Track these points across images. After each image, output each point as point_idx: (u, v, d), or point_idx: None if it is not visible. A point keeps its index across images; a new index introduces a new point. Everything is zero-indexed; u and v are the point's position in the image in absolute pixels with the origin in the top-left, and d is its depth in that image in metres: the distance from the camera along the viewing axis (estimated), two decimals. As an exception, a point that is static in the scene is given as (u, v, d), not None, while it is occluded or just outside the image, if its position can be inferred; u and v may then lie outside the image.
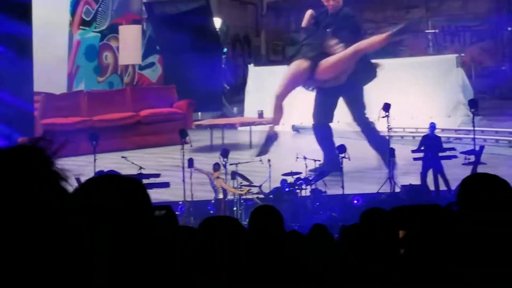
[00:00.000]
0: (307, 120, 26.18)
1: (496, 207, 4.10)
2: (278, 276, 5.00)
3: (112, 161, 24.31)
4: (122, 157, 23.63)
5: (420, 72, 26.26)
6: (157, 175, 22.93)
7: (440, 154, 22.98)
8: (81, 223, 1.81)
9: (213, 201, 22.83)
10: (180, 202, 22.81)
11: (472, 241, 3.72)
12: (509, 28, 26.53)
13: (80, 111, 25.93)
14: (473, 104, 23.15)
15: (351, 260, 5.99)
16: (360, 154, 24.38)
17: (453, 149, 23.26)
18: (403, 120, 25.71)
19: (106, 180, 3.16)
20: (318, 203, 22.25)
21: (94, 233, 2.49)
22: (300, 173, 23.09)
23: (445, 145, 23.77)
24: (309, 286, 5.29)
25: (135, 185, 3.15)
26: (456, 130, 25.42)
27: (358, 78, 25.13)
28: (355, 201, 22.06)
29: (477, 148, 22.86)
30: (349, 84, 25.04)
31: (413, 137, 25.53)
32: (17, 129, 23.93)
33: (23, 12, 24.37)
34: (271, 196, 22.31)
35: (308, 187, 22.80)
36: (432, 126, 23.26)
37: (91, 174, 21.16)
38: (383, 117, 23.20)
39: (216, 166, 23.05)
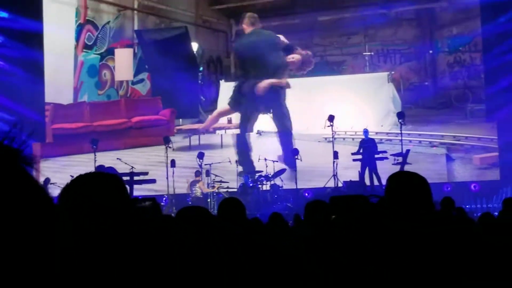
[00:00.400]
0: (269, 125, 26.25)
1: (414, 200, 4.28)
2: (240, 257, 4.63)
3: (110, 159, 24.31)
4: (118, 158, 23.74)
5: (358, 86, 26.42)
6: (146, 173, 23.15)
7: (376, 156, 23.48)
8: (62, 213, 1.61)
9: (189, 199, 23.12)
10: (165, 195, 23.14)
11: (385, 231, 4.12)
12: (431, 51, 26.56)
13: (83, 118, 25.95)
14: (401, 116, 23.56)
15: (302, 243, 5.62)
16: (311, 155, 24.50)
17: (384, 151, 23.70)
18: (345, 126, 25.56)
19: (91, 177, 3.21)
20: (276, 196, 22.73)
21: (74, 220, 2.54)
22: (262, 171, 23.64)
23: (378, 145, 24.13)
24: (266, 264, 4.78)
25: (116, 181, 3.22)
26: (387, 133, 25.48)
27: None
28: (306, 194, 22.69)
29: (404, 151, 23.12)
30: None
31: (353, 138, 25.54)
32: (31, 136, 24.40)
33: (37, 40, 24.47)
34: (238, 190, 22.88)
35: (268, 182, 23.34)
36: (365, 131, 23.93)
37: (92, 170, 20.76)
38: (328, 126, 23.41)
39: (197, 173, 23.64)
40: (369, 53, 27.32)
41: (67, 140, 25.71)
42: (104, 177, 3.25)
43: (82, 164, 23.96)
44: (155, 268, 3.34)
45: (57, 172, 23.40)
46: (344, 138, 25.74)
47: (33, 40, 24.62)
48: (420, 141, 25.74)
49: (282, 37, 26.06)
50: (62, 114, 25.91)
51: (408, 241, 4.00)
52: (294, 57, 25.91)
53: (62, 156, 25.21)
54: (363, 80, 26.98)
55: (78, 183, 3.12)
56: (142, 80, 27.18)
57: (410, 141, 25.36)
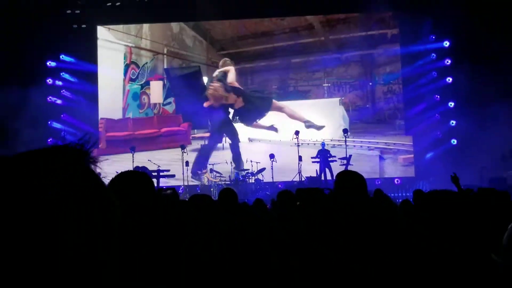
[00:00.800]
0: (257, 134, 26.54)
1: (354, 191, 4.44)
2: (231, 229, 4.81)
3: (145, 157, 24.73)
4: (148, 160, 24.08)
5: (319, 108, 26.62)
6: (168, 170, 23.52)
7: (329, 159, 23.86)
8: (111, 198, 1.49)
9: (198, 188, 23.55)
10: (181, 186, 23.56)
11: (334, 212, 4.25)
12: (370, 84, 26.76)
13: (128, 128, 26.39)
14: (345, 131, 24.00)
15: (276, 220, 6.06)
16: (284, 157, 24.62)
17: (334, 156, 24.02)
18: (309, 135, 25.89)
19: (129, 174, 3.29)
20: (258, 187, 23.07)
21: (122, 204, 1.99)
22: (248, 169, 24.12)
23: (331, 149, 24.51)
24: (250, 234, 4.96)
25: (146, 177, 3.30)
26: (338, 140, 25.39)
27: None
28: (279, 186, 22.92)
29: (348, 155, 23.84)
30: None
31: (314, 144, 25.62)
32: (95, 144, 25.05)
33: (93, 77, 25.24)
34: (232, 182, 23.20)
35: (253, 177, 23.61)
36: (323, 144, 24.35)
37: (130, 166, 22.36)
38: (295, 138, 23.87)
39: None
40: (327, 85, 27.25)
41: (116, 143, 26.02)
42: (137, 174, 3.34)
43: (126, 160, 24.23)
44: (173, 241, 3.45)
45: (110, 166, 22.59)
46: (308, 144, 25.77)
47: (90, 77, 25.30)
48: (361, 146, 25.92)
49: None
50: (113, 126, 26.33)
51: (350, 220, 4.05)
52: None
53: (113, 154, 25.39)
54: (322, 104, 27.00)
55: (119, 179, 3.22)
56: (169, 103, 27.13)
57: (354, 146, 25.64)
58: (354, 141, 25.88)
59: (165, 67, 27.40)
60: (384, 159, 25.91)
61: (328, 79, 27.38)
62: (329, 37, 27.19)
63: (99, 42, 26.23)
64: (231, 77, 26.70)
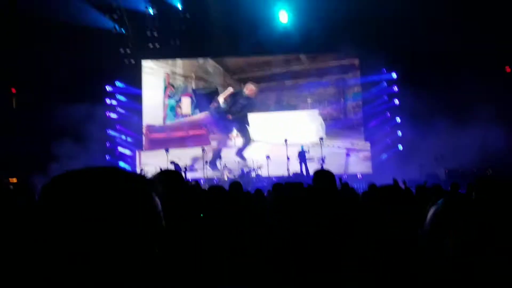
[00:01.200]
0: (261, 136, 26.81)
1: (327, 184, 4.38)
2: (236, 211, 4.96)
3: (177, 153, 25.15)
4: (177, 159, 24.08)
5: (304, 118, 27.25)
6: (192, 166, 24.23)
7: (306, 159, 24.22)
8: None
9: (215, 180, 23.66)
10: (202, 178, 23.59)
11: (310, 199, 4.12)
12: (342, 100, 27.42)
13: (165, 132, 27.10)
14: (321, 139, 24.61)
15: (266, 205, 5.98)
16: (277, 157, 24.93)
17: (312, 158, 24.64)
18: (296, 139, 25.93)
19: (165, 173, 3.21)
20: (258, 180, 23.20)
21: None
22: (251, 167, 24.30)
23: (311, 150, 24.98)
24: (252, 215, 5.15)
25: (176, 174, 3.25)
26: (316, 143, 25.43)
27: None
28: (273, 179, 22.81)
29: (323, 156, 24.23)
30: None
31: (298, 145, 25.48)
32: (135, 146, 25.74)
33: (138, 98, 25.97)
34: (239, 176, 23.40)
35: (254, 172, 23.89)
36: (302, 147, 24.71)
37: (165, 159, 22.80)
38: (285, 143, 23.88)
39: (224, 168, 24.33)
40: (311, 101, 27.87)
41: (157, 142, 26.60)
42: (172, 172, 3.27)
43: (162, 155, 24.54)
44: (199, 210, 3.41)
45: (151, 159, 24.75)
46: (294, 145, 25.55)
47: (137, 98, 26.01)
48: (333, 146, 26.51)
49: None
50: (155, 130, 26.97)
51: (322, 205, 3.97)
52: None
53: (154, 150, 26.24)
54: (306, 114, 27.47)
55: (160, 176, 3.11)
56: (196, 113, 27.74)
57: (328, 145, 25.98)
58: (328, 142, 26.17)
59: (193, 87, 27.66)
60: (349, 156, 26.22)
61: (311, 97, 27.56)
62: (312, 66, 27.53)
63: (145, 70, 26.54)
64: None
